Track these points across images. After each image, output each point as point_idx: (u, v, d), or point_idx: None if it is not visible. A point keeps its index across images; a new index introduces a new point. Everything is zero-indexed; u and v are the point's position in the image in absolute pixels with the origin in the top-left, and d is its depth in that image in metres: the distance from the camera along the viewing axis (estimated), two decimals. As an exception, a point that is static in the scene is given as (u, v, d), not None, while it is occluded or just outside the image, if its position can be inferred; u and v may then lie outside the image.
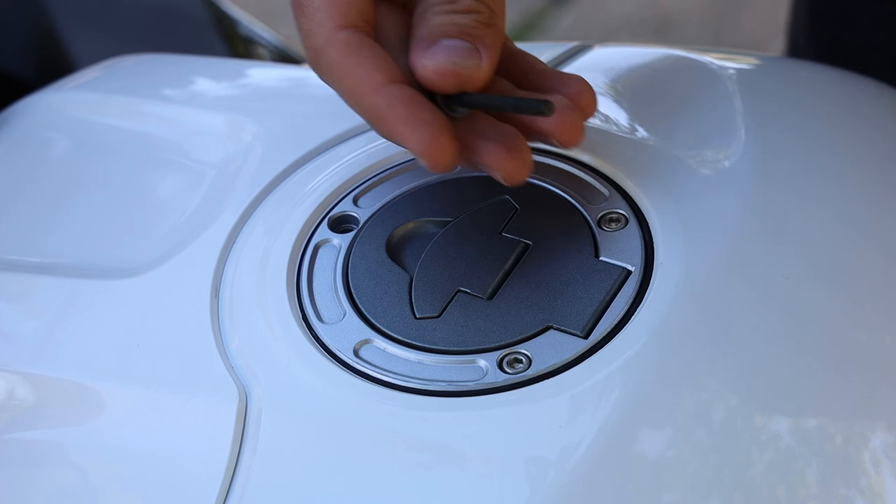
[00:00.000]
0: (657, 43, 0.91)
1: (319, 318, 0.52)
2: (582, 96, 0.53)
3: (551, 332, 0.50)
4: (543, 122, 0.52)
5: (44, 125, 0.68)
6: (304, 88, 0.65)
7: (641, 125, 0.57)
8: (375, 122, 0.52)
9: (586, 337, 0.49)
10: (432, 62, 0.51)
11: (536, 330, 0.50)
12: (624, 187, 0.54)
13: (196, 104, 0.67)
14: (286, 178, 0.58)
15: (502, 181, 0.52)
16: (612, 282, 0.51)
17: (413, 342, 0.51)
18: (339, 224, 0.56)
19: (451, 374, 0.50)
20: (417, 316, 0.52)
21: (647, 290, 0.50)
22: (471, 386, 0.49)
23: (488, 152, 0.52)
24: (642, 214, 0.53)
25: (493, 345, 0.50)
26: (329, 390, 0.50)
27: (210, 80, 0.70)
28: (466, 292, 0.52)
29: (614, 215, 0.53)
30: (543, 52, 0.62)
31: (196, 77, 0.70)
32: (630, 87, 0.61)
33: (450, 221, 0.55)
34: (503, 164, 0.51)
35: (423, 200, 0.56)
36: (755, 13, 2.17)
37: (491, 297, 0.52)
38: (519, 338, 0.50)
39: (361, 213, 0.56)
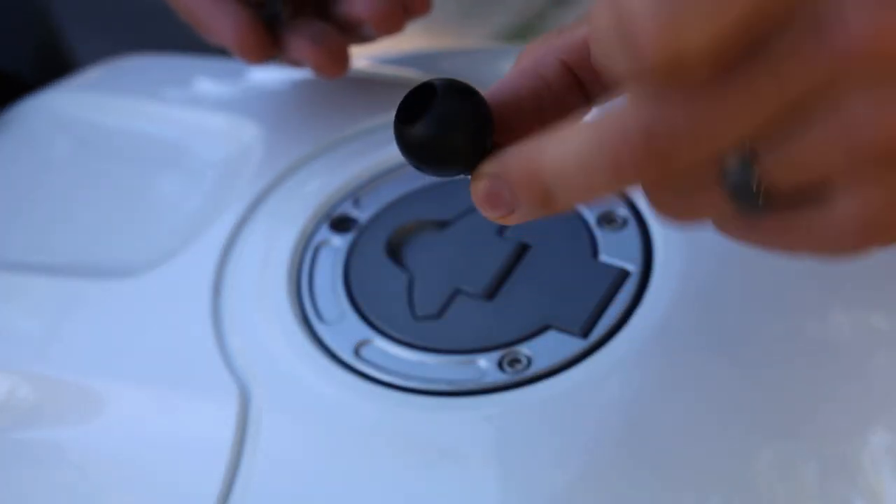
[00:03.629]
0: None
1: (319, 318, 0.53)
2: None
3: (551, 332, 0.50)
4: (359, 10, 0.57)
5: (44, 126, 0.68)
6: (305, 88, 0.65)
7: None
8: (193, 23, 0.59)
9: (585, 337, 0.49)
10: None
11: (536, 330, 0.50)
12: (623, 187, 0.54)
13: (196, 104, 0.67)
14: (286, 179, 0.58)
15: (315, 73, 0.58)
16: (611, 282, 0.51)
17: (413, 342, 0.51)
18: (340, 224, 0.56)
19: (451, 374, 0.50)
20: (417, 316, 0.52)
21: (646, 291, 0.50)
22: (471, 386, 0.49)
23: (297, 45, 0.58)
24: (641, 215, 0.53)
25: (493, 345, 0.50)
26: (329, 390, 0.50)
27: (210, 80, 0.70)
28: (466, 292, 0.52)
29: (613, 216, 0.53)
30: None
31: (196, 77, 0.70)
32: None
33: (450, 222, 0.55)
34: (309, 54, 0.57)
35: (424, 201, 0.56)
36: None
37: (491, 297, 0.52)
38: (519, 338, 0.50)
39: (362, 214, 0.56)
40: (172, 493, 0.49)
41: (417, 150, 0.39)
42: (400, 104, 0.40)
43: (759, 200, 0.37)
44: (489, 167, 0.39)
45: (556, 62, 0.41)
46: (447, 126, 0.39)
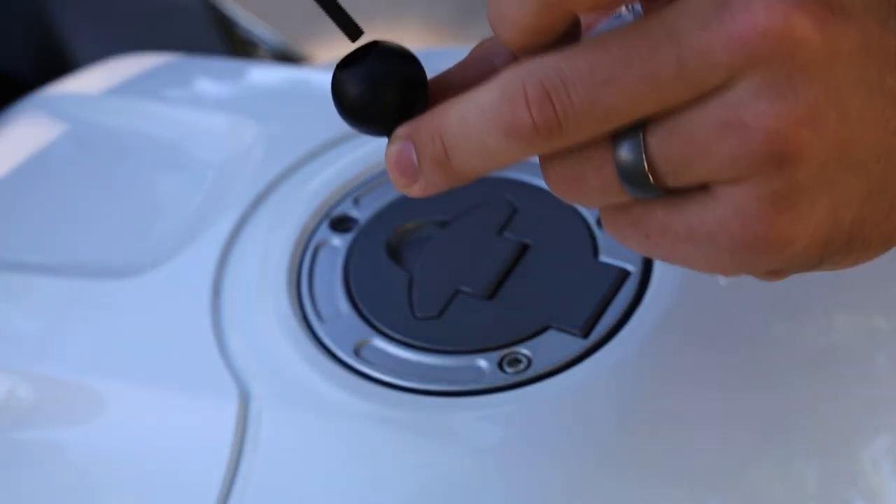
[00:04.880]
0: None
1: (319, 318, 0.53)
2: None
3: (551, 331, 0.50)
4: None
5: (44, 125, 0.68)
6: (304, 88, 0.65)
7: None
8: None
9: (586, 337, 0.49)
10: None
11: (536, 330, 0.50)
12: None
13: (196, 104, 0.67)
14: (286, 178, 0.58)
15: None
16: (611, 282, 0.51)
17: (413, 342, 0.51)
18: (340, 224, 0.56)
19: (451, 374, 0.50)
20: (417, 316, 0.52)
21: (646, 291, 0.50)
22: (471, 386, 0.49)
23: None
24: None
25: (493, 345, 0.50)
26: (329, 390, 0.50)
27: (210, 80, 0.70)
28: (466, 292, 0.52)
29: (614, 215, 0.53)
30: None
31: (196, 77, 0.70)
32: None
33: (450, 222, 0.55)
34: None
35: (424, 200, 0.56)
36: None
37: (491, 297, 0.52)
38: (519, 338, 0.50)
39: (362, 214, 0.56)
40: (172, 493, 0.49)
41: (347, 102, 0.40)
42: (343, 57, 0.41)
43: (646, 185, 0.37)
44: (402, 130, 0.40)
45: (507, 52, 0.41)
46: (379, 82, 0.40)
